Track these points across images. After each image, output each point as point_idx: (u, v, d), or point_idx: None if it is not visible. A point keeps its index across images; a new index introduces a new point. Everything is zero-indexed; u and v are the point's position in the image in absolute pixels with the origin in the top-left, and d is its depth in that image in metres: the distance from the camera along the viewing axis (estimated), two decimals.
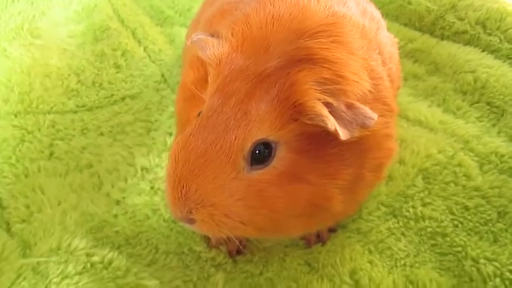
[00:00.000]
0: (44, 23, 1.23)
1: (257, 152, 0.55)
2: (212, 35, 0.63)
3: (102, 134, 0.92)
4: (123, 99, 1.01)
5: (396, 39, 0.82)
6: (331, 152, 0.57)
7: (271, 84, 0.55)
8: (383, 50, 0.70)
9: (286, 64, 0.56)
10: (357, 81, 0.58)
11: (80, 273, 0.63)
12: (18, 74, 1.01)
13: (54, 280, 0.62)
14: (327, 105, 0.54)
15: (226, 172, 0.54)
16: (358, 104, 0.56)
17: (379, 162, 0.63)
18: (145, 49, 1.15)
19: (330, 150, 0.57)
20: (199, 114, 0.59)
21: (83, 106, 0.98)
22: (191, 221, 0.55)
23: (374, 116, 0.55)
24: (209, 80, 0.60)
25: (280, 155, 0.56)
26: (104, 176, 0.84)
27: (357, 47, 0.61)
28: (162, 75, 1.07)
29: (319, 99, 0.54)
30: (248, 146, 0.54)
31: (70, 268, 0.64)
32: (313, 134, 0.56)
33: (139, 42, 1.17)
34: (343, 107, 0.55)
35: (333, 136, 0.54)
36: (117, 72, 1.08)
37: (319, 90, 0.55)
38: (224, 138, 0.54)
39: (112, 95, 1.02)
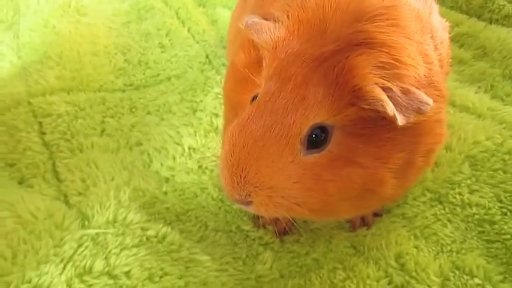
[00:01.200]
0: (89, 0, 1.26)
1: (314, 136, 0.56)
2: (266, 18, 0.63)
3: (149, 112, 0.94)
4: (168, 78, 1.03)
5: (447, 23, 0.81)
6: (385, 137, 0.58)
7: (329, 68, 0.55)
8: (435, 34, 0.70)
9: (344, 48, 0.56)
10: (413, 66, 0.58)
11: (138, 246, 0.66)
12: (68, 52, 1.04)
13: (114, 251, 0.65)
14: (385, 89, 0.54)
15: (284, 156, 0.55)
16: (414, 89, 0.56)
17: (429, 147, 0.64)
18: (189, 29, 1.16)
19: (384, 134, 0.58)
20: (253, 98, 0.60)
21: (130, 85, 1.01)
22: (248, 203, 0.57)
23: (430, 101, 0.55)
24: (264, 63, 0.61)
25: (335, 139, 0.57)
26: (153, 154, 0.86)
27: (413, 30, 0.61)
28: (207, 56, 1.09)
29: (378, 84, 0.54)
30: (305, 130, 0.55)
31: (128, 240, 0.67)
32: (368, 119, 0.56)
33: (183, 22, 1.19)
34: (399, 92, 0.55)
35: (387, 121, 0.54)
36: (162, 52, 1.09)
37: (378, 74, 0.55)
38: (282, 123, 0.55)
39: (158, 75, 1.04)
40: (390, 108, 0.53)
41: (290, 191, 0.56)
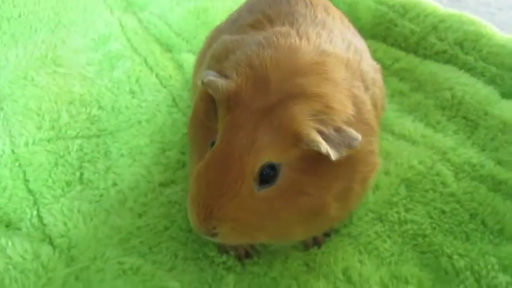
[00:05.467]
0: (64, 51, 1.34)
1: (264, 173, 0.67)
2: (219, 73, 0.75)
3: (122, 155, 1.04)
4: (139, 122, 1.13)
5: (379, 66, 0.94)
6: (326, 169, 0.69)
7: (273, 117, 0.67)
8: (365, 77, 0.82)
9: (285, 98, 0.68)
10: (342, 109, 0.71)
11: (116, 278, 0.76)
12: (47, 103, 1.13)
13: (95, 285, 0.74)
14: (320, 132, 0.66)
15: (242, 192, 0.66)
16: (344, 127, 0.68)
17: (365, 175, 0.76)
18: (157, 75, 1.27)
19: (324, 167, 0.69)
20: (212, 144, 0.71)
21: (104, 130, 1.10)
22: (214, 235, 0.68)
23: (358, 136, 0.68)
24: (219, 114, 0.72)
25: (283, 174, 0.68)
26: (127, 192, 0.96)
27: (341, 79, 0.74)
28: (173, 100, 1.20)
29: (313, 128, 0.67)
30: (257, 169, 0.67)
31: (107, 274, 0.76)
32: (309, 155, 0.67)
33: (151, 69, 1.29)
34: (332, 131, 0.67)
35: (326, 156, 0.66)
36: (133, 98, 1.20)
37: (313, 120, 0.67)
38: (238, 165, 0.66)
39: (129, 119, 1.14)
40: (324, 147, 0.65)
41: (250, 221, 0.67)
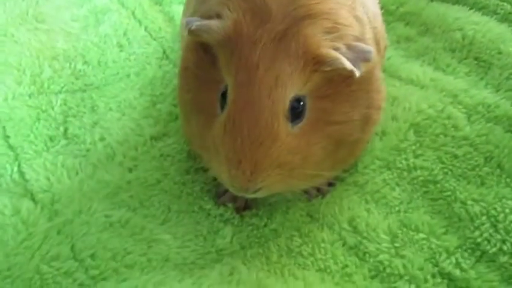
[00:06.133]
0: (47, 7, 1.27)
1: (294, 108, 0.63)
2: (206, 15, 0.68)
3: (110, 109, 0.98)
4: (128, 76, 1.06)
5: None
6: (346, 95, 0.67)
7: (287, 45, 0.62)
8: (367, 5, 0.77)
9: (292, 23, 0.63)
10: (349, 26, 0.67)
11: (101, 231, 0.70)
12: (28, 58, 1.06)
13: (79, 238, 0.69)
14: (336, 49, 0.63)
15: (280, 134, 0.61)
16: (355, 43, 0.65)
17: (379, 103, 0.74)
18: (146, 28, 1.20)
19: (345, 94, 0.67)
20: (223, 94, 0.64)
21: (90, 85, 1.03)
22: (257, 190, 0.63)
23: (370, 48, 0.66)
24: (222, 60, 0.65)
25: (310, 106, 0.64)
26: (116, 147, 0.90)
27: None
28: (164, 52, 1.12)
29: (330, 47, 0.63)
30: (287, 105, 0.62)
31: (92, 228, 0.71)
32: (329, 82, 0.64)
33: (139, 22, 1.22)
34: (345, 49, 0.64)
35: (344, 81, 0.64)
36: (121, 51, 1.12)
37: (327, 39, 0.63)
38: (268, 105, 0.61)
39: (118, 73, 1.07)
40: (348, 64, 0.62)
41: (294, 162, 0.63)
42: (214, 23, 0.65)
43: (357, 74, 0.62)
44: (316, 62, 0.62)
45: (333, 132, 0.67)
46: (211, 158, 0.67)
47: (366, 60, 0.64)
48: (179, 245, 0.71)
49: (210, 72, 0.68)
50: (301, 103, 0.64)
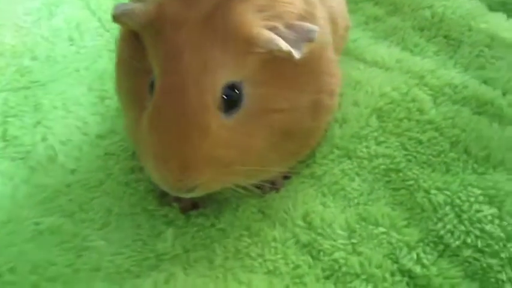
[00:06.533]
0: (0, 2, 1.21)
1: (227, 96, 0.56)
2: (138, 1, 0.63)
3: (55, 107, 0.91)
4: (77, 71, 1.00)
5: None
6: (291, 80, 0.61)
7: (216, 26, 0.55)
8: None
9: (222, 2, 0.56)
10: (290, 3, 0.60)
11: (27, 241, 0.64)
12: None
13: (2, 251, 0.63)
14: (272, 29, 0.56)
15: (212, 126, 0.55)
16: (296, 22, 0.59)
17: (332, 88, 0.68)
18: (99, 19, 1.13)
19: (290, 78, 0.60)
20: (151, 84, 0.58)
21: (36, 82, 0.97)
22: (192, 189, 0.57)
23: (315, 27, 0.59)
24: (148, 46, 0.59)
25: (248, 93, 0.57)
26: (58, 148, 0.84)
27: None
28: (116, 43, 1.06)
29: (264, 26, 0.56)
30: (218, 94, 0.55)
31: (18, 237, 0.65)
32: (270, 65, 0.58)
33: (93, 12, 1.15)
34: (284, 28, 0.57)
35: (287, 62, 0.57)
36: (71, 45, 1.06)
37: (260, 17, 0.57)
38: (196, 95, 0.54)
39: (66, 68, 1.00)
40: (284, 44, 0.55)
41: (229, 157, 0.56)
42: (137, 7, 0.60)
43: (297, 55, 0.56)
44: (249, 44, 0.56)
45: (276, 121, 0.60)
46: (142, 155, 0.61)
47: (309, 40, 0.58)
48: (113, 252, 0.65)
49: (142, 62, 0.62)
50: (236, 90, 0.57)
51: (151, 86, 0.59)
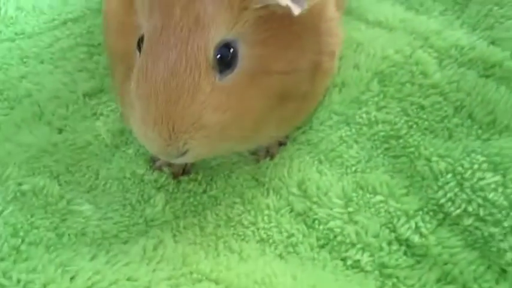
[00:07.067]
0: None
1: (221, 56, 0.52)
2: None
3: (42, 61, 0.87)
4: (64, 23, 0.94)
5: None
6: (290, 40, 0.57)
7: None
8: None
9: None
10: None
11: (8, 203, 0.61)
12: None
13: None
14: None
15: (203, 86, 0.51)
16: None
17: (332, 48, 0.65)
18: None
19: (288, 38, 0.57)
20: (140, 42, 0.54)
21: (21, 33, 0.92)
22: (184, 153, 0.53)
23: None
24: (137, 1, 0.56)
25: (244, 53, 0.54)
26: (44, 105, 0.80)
27: None
28: None
29: None
30: (211, 53, 0.52)
31: None
32: (268, 24, 0.54)
33: None
34: None
35: (286, 20, 0.53)
36: None
37: None
38: (185, 54, 0.51)
39: (53, 20, 0.95)
40: None
41: (222, 121, 0.53)
42: None
43: (296, 11, 0.51)
44: None
45: (273, 84, 0.57)
46: (130, 118, 0.58)
47: None
48: (100, 217, 0.63)
49: (129, 16, 0.58)
50: (231, 49, 0.53)
51: (140, 43, 0.55)
